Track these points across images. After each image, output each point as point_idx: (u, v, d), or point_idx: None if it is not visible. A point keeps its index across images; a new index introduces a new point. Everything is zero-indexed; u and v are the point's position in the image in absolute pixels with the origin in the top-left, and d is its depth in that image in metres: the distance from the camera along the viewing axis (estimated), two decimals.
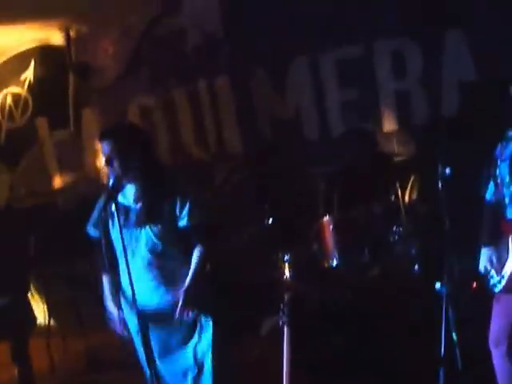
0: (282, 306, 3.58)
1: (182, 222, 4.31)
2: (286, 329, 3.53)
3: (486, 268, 4.07)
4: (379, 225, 5.44)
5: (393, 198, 5.49)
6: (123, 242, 4.06)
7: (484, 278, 4.12)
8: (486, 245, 4.10)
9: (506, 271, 3.97)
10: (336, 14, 6.77)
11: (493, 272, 4.06)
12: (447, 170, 3.95)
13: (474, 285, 5.07)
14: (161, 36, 7.84)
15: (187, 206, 4.30)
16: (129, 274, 4.02)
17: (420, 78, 6.58)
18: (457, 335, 3.82)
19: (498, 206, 4.04)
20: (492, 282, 4.08)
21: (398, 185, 5.47)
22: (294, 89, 7.17)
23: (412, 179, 5.68)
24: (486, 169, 4.12)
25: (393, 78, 6.74)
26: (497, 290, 4.05)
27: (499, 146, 4.04)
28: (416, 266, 5.25)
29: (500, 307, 4.09)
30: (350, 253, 5.40)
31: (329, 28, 6.80)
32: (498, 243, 4.02)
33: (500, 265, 4.00)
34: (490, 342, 4.14)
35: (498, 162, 4.02)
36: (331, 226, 5.48)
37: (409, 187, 5.66)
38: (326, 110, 7.06)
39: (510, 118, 4.00)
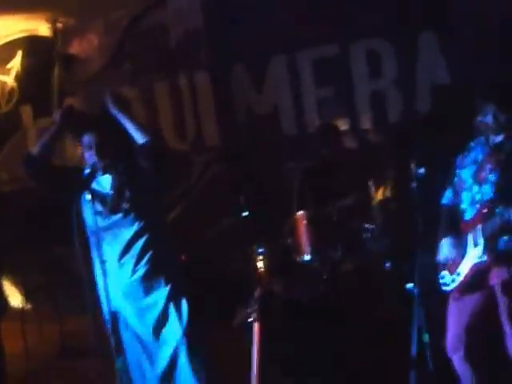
0: (252, 302, 3.34)
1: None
2: (255, 324, 3.28)
3: (447, 257, 3.88)
4: (352, 221, 5.32)
5: (366, 195, 5.37)
6: (98, 228, 3.99)
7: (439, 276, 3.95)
8: (446, 236, 3.93)
9: (463, 269, 3.80)
10: (314, 14, 6.61)
11: (445, 272, 3.90)
12: (421, 170, 3.83)
13: None
14: (144, 31, 7.68)
15: None
16: (102, 263, 3.83)
17: (395, 78, 6.48)
18: (428, 335, 3.59)
19: (455, 210, 3.94)
20: (443, 280, 3.92)
21: (371, 182, 5.30)
22: (271, 85, 7.03)
23: (385, 177, 5.48)
24: (443, 177, 4.06)
25: (368, 77, 6.62)
26: (449, 288, 3.88)
27: (460, 157, 3.98)
28: (388, 263, 5.10)
29: (454, 311, 3.92)
30: (322, 248, 5.25)
31: (307, 27, 6.65)
32: (455, 239, 3.87)
33: (458, 259, 3.82)
34: (447, 348, 3.97)
35: (458, 170, 3.95)
36: (305, 221, 5.34)
37: (382, 185, 5.47)
38: (302, 106, 6.95)
39: (471, 131, 3.92)
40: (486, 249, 3.68)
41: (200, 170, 7.34)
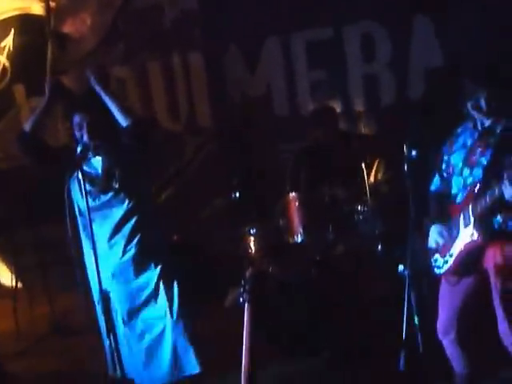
0: (243, 282, 3.31)
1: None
2: (246, 305, 3.25)
3: (437, 243, 3.87)
4: (344, 203, 5.26)
5: (358, 177, 5.29)
6: (88, 208, 3.88)
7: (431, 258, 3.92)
8: (435, 222, 3.92)
9: (455, 250, 3.77)
10: None
11: (437, 255, 3.88)
12: (413, 152, 3.73)
13: None
14: (138, 10, 7.59)
15: None
16: (92, 244, 3.79)
17: (388, 62, 6.45)
18: (419, 319, 3.57)
19: (443, 196, 3.92)
20: (436, 264, 3.89)
21: (363, 164, 5.27)
22: (265, 67, 6.98)
23: (378, 160, 5.45)
24: (430, 164, 4.03)
25: (361, 60, 6.59)
26: (441, 271, 3.86)
27: (447, 143, 3.94)
28: (379, 246, 5.08)
29: (446, 294, 3.91)
30: (314, 230, 5.21)
31: (301, 9, 6.61)
32: (445, 223, 3.85)
33: (450, 242, 3.79)
34: (438, 331, 3.97)
35: (445, 156, 3.92)
36: (297, 203, 5.29)
37: (374, 167, 5.45)
38: (296, 88, 6.92)
39: (455, 113, 3.89)
40: (478, 228, 3.64)
41: (193, 150, 7.29)
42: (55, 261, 6.46)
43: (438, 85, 6.04)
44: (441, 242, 3.83)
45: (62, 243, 4.36)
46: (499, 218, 3.63)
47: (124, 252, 4.26)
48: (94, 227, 3.96)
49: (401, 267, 3.77)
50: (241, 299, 3.27)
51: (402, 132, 3.95)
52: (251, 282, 3.31)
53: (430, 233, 3.89)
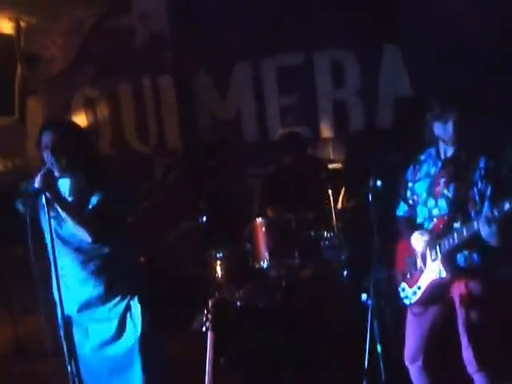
0: (205, 311, 3.31)
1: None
2: (209, 333, 3.26)
3: (404, 269, 3.91)
4: (310, 229, 5.28)
5: (325, 203, 5.33)
6: (51, 234, 3.75)
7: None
8: None
9: (423, 283, 3.80)
10: (280, 22, 6.63)
11: (404, 285, 3.91)
12: (378, 182, 3.74)
13: None
14: (109, 32, 7.63)
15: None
16: (55, 266, 3.72)
17: (357, 89, 6.54)
18: (381, 347, 3.59)
19: (411, 221, 3.93)
20: (403, 294, 3.92)
21: (330, 191, 5.29)
22: (235, 91, 7.03)
23: (344, 186, 5.49)
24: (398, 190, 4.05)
25: (331, 86, 6.67)
26: (409, 302, 3.89)
27: (411, 169, 3.96)
28: (345, 272, 5.11)
29: (413, 321, 3.93)
30: (280, 255, 5.23)
31: (272, 35, 6.67)
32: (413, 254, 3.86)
33: (417, 273, 3.82)
34: (406, 358, 3.98)
35: (410, 184, 3.93)
36: (263, 228, 5.30)
37: (341, 193, 5.48)
38: (265, 113, 6.97)
39: (422, 143, 3.91)
40: (445, 265, 3.67)
41: (161, 172, 7.29)
42: (21, 281, 6.37)
43: (407, 114, 6.12)
44: (408, 267, 3.86)
45: (27, 265, 4.31)
46: (465, 252, 3.67)
47: (94, 286, 4.09)
48: (61, 256, 3.86)
49: (364, 296, 3.78)
50: (203, 328, 3.28)
51: (369, 161, 3.98)
52: (214, 311, 3.32)
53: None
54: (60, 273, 3.78)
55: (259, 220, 5.36)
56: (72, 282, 4.07)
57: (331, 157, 6.56)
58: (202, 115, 7.18)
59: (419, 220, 3.85)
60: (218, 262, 5.44)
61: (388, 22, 6.23)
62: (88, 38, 7.71)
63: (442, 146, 3.79)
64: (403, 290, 3.91)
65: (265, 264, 5.22)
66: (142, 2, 7.40)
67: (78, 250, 4.08)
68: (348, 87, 6.57)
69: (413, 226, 3.90)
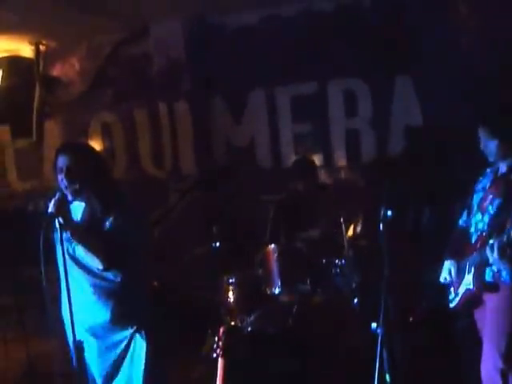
0: (216, 338, 3.35)
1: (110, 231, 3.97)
2: (219, 360, 3.30)
3: (445, 279, 4.02)
4: (322, 256, 5.31)
5: (337, 230, 5.35)
6: (64, 258, 3.76)
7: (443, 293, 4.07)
8: (448, 258, 4.04)
9: (460, 291, 3.92)
10: (295, 51, 6.75)
11: (451, 289, 4.01)
12: (389, 212, 3.82)
13: (411, 319, 4.98)
14: (126, 58, 7.75)
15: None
16: (68, 291, 3.72)
17: (370, 118, 6.63)
18: (390, 376, 3.63)
19: (466, 232, 3.99)
20: (450, 297, 4.03)
21: (342, 218, 5.33)
22: (250, 118, 7.14)
23: (356, 214, 5.54)
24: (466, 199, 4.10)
25: (344, 115, 6.77)
26: (452, 305, 4.00)
27: (479, 180, 4.03)
28: (355, 299, 5.13)
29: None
30: (292, 281, 5.25)
31: (287, 65, 6.79)
32: (458, 261, 3.95)
33: (458, 281, 3.93)
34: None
35: (473, 194, 4.01)
36: (276, 254, 5.33)
37: (353, 222, 5.52)
38: (279, 140, 7.07)
39: (486, 157, 3.93)
40: (474, 278, 3.78)
41: (175, 197, 7.28)
42: (32, 303, 6.40)
43: (420, 143, 6.18)
44: (448, 279, 3.97)
45: (40, 286, 4.32)
46: (494, 268, 3.73)
47: (103, 313, 4.02)
48: (72, 281, 3.78)
49: (374, 325, 3.82)
50: (214, 354, 3.32)
51: (380, 189, 4.03)
52: (225, 338, 3.36)
53: (443, 267, 4.03)
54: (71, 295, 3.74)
55: (272, 246, 5.39)
56: (80, 306, 3.96)
57: (342, 184, 6.65)
58: (216, 141, 7.29)
59: (471, 230, 3.94)
60: (231, 288, 5.47)
61: (399, 52, 6.32)
62: (106, 63, 7.84)
63: (499, 162, 3.87)
64: (450, 293, 4.02)
65: (277, 290, 5.24)
66: (159, 29, 7.50)
67: (90, 273, 4.02)
68: (360, 116, 6.67)
69: (466, 235, 3.97)
